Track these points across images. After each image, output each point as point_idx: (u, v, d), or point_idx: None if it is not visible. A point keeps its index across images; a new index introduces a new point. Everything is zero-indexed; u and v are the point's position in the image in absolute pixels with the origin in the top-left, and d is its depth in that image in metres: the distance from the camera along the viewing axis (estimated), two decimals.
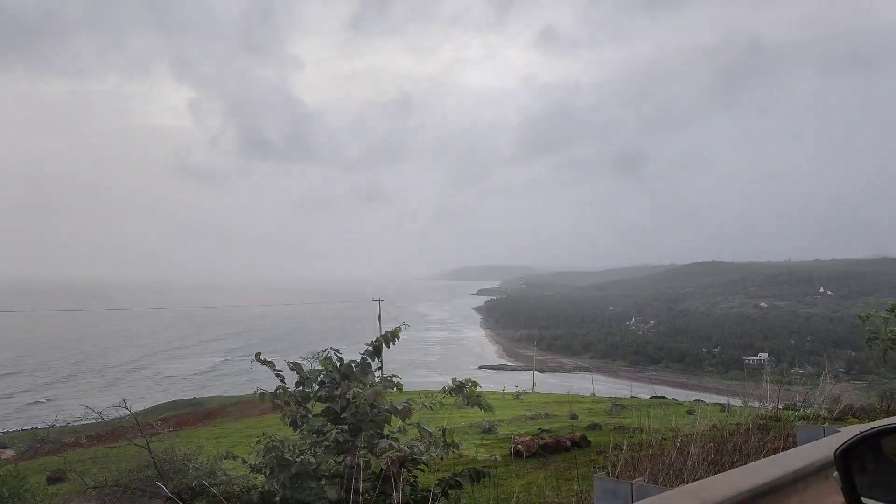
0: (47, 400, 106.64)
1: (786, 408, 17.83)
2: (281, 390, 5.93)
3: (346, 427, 5.68)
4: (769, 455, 7.42)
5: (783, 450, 8.43)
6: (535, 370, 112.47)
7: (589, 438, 17.60)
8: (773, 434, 8.55)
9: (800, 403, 16.53)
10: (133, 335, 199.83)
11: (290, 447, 5.73)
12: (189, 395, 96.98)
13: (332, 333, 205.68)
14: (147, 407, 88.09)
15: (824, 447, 3.07)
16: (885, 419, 7.97)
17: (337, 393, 5.83)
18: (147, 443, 9.27)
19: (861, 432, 2.78)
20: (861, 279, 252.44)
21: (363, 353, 6.23)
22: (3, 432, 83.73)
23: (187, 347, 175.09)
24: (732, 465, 5.67)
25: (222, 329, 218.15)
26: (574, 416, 24.26)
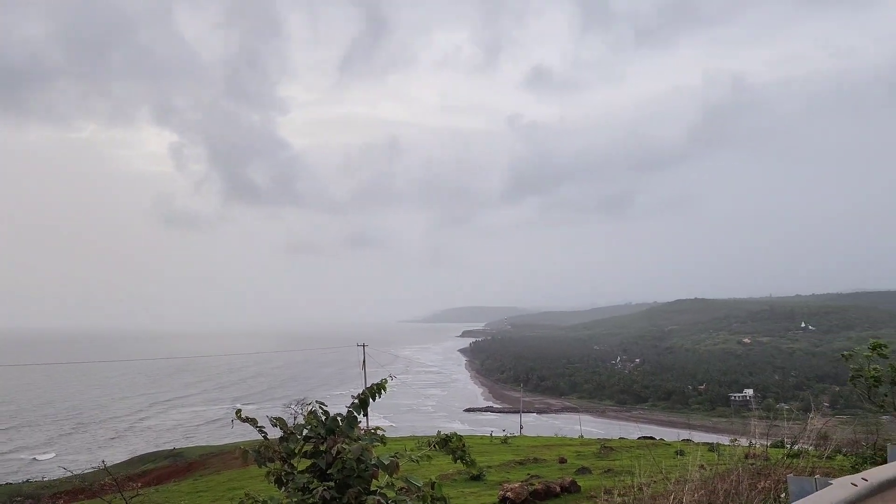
0: (55, 454, 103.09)
1: (774, 445, 17.82)
2: (264, 447, 5.79)
3: (332, 484, 5.53)
4: (761, 501, 7.36)
5: (774, 493, 8.37)
6: (522, 412, 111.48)
7: (579, 483, 17.43)
8: (763, 476, 8.52)
9: (788, 441, 16.53)
10: (132, 385, 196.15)
11: None
12: (199, 444, 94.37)
13: (330, 380, 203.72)
14: (125, 459, 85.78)
15: (818, 502, 3.03)
16: (874, 468, 7.97)
17: (323, 448, 5.71)
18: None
19: (853, 483, 2.77)
20: (841, 314, 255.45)
21: (349, 407, 6.12)
22: None
23: (189, 396, 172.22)
24: None
25: (220, 378, 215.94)
26: (563, 461, 23.95)
